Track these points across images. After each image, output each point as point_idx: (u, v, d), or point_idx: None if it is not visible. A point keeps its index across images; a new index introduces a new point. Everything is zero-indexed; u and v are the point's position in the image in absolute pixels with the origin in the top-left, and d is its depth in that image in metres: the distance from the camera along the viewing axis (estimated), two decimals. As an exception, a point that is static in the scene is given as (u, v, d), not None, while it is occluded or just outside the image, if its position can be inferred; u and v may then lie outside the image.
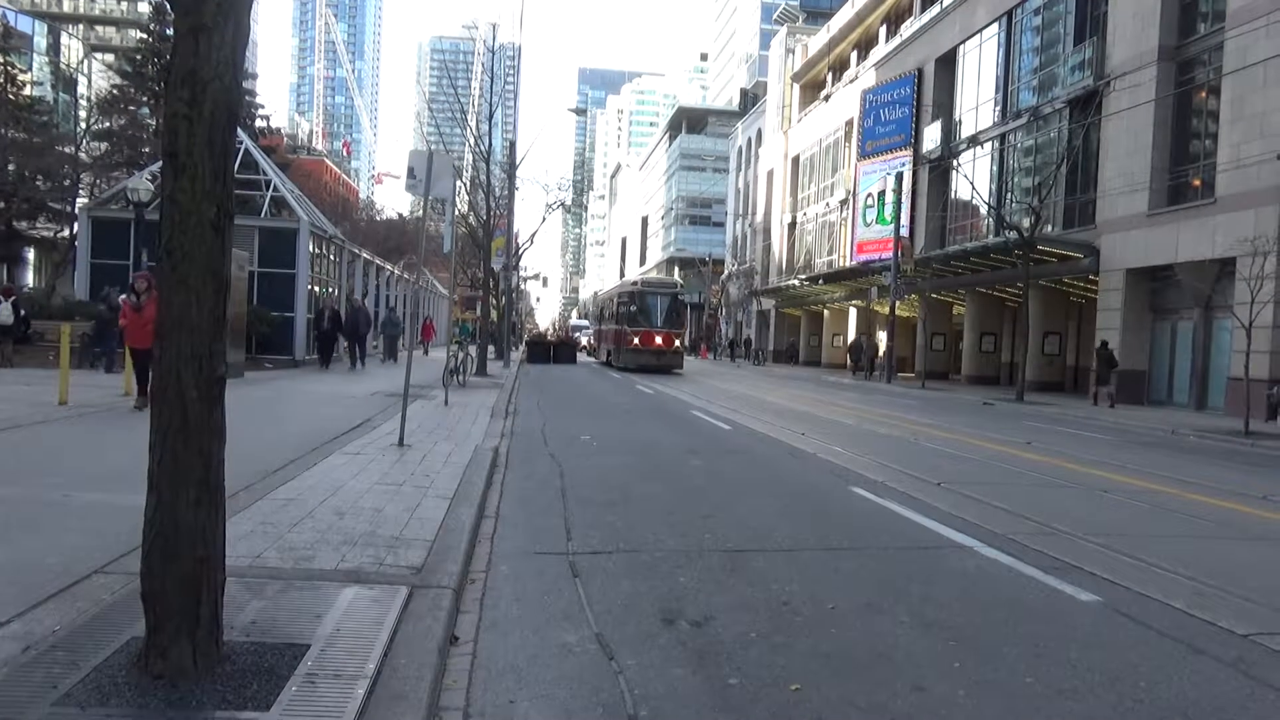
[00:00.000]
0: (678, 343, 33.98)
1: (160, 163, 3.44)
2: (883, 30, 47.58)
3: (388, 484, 7.11)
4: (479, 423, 12.34)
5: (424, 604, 4.13)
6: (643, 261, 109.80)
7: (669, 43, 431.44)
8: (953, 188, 37.20)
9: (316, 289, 25.53)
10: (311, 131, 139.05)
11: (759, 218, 63.56)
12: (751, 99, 74.15)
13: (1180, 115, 25.50)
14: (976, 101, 36.01)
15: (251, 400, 14.01)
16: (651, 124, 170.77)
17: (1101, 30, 27.97)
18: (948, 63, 37.93)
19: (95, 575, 4.28)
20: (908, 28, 42.51)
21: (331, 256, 28.44)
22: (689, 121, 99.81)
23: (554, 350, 40.79)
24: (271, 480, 6.95)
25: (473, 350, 23.93)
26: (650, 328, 33.11)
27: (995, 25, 34.19)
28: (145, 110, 42.95)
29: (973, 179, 33.85)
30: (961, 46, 36.79)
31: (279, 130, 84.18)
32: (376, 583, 4.40)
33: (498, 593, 4.80)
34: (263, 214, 25.53)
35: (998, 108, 34.32)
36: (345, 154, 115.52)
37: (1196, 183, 24.39)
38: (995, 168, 34.64)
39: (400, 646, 3.58)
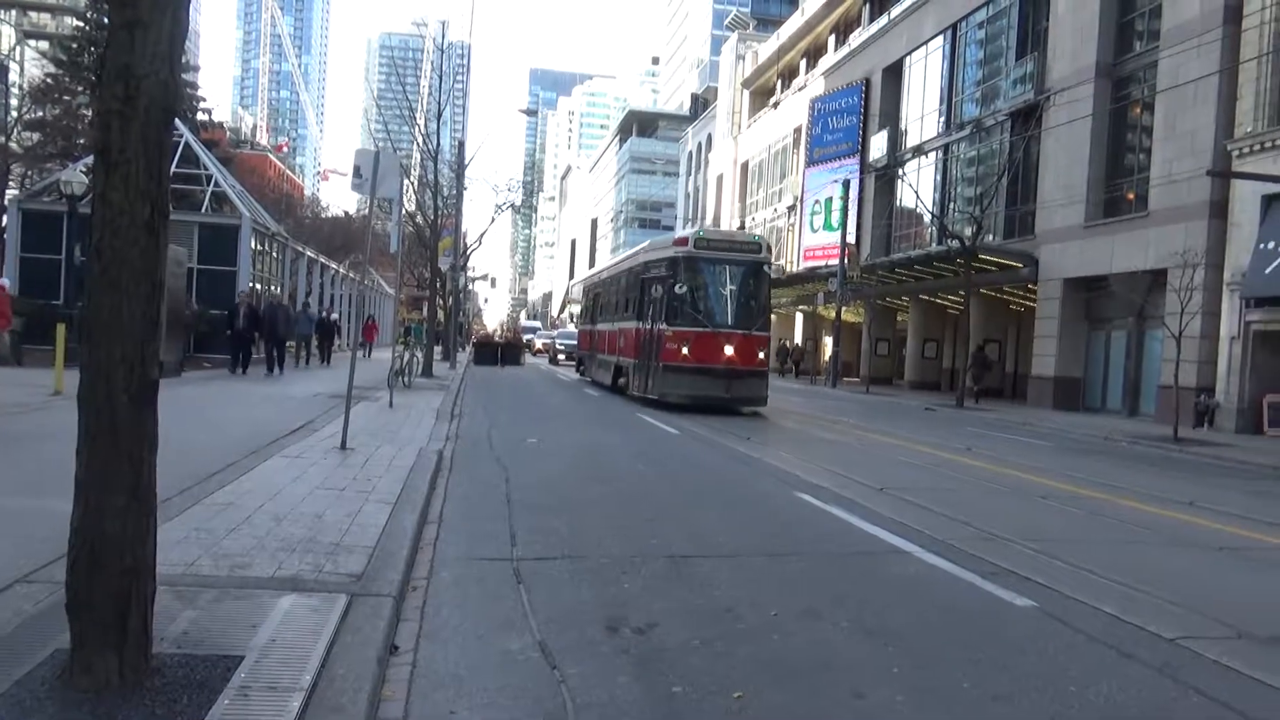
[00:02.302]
0: (761, 354, 18.81)
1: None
2: (831, 39, 48.18)
3: (329, 488, 6.99)
4: (424, 425, 12.21)
5: (364, 612, 4.06)
6: (592, 263, 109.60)
7: (620, 45, 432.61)
8: (898, 196, 37.78)
9: (258, 286, 25.00)
10: (256, 126, 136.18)
11: (709, 222, 63.90)
12: (702, 104, 74.57)
13: (1116, 130, 26.24)
14: (922, 112, 36.63)
15: (188, 401, 13.68)
16: (602, 126, 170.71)
17: (1042, 46, 28.66)
18: (894, 73, 38.54)
19: (18, 584, 4.13)
20: (856, 37, 43.11)
21: (275, 254, 27.91)
22: (640, 124, 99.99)
23: (502, 352, 39.89)
24: (207, 485, 6.78)
25: (419, 351, 23.65)
26: (714, 326, 17.97)
27: (941, 38, 34.84)
28: (81, 100, 41.71)
29: (917, 188, 34.43)
30: (908, 58, 37.41)
31: (221, 124, 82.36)
32: (315, 591, 4.31)
33: (439, 600, 4.74)
34: (203, 209, 24.96)
35: (942, 118, 34.96)
36: (283, 151, 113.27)
37: (1131, 196, 25.11)
38: (939, 177, 35.28)
39: (338, 657, 3.51)
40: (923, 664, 4.12)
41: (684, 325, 18.03)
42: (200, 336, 21.80)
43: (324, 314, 29.21)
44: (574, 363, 38.06)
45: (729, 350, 17.85)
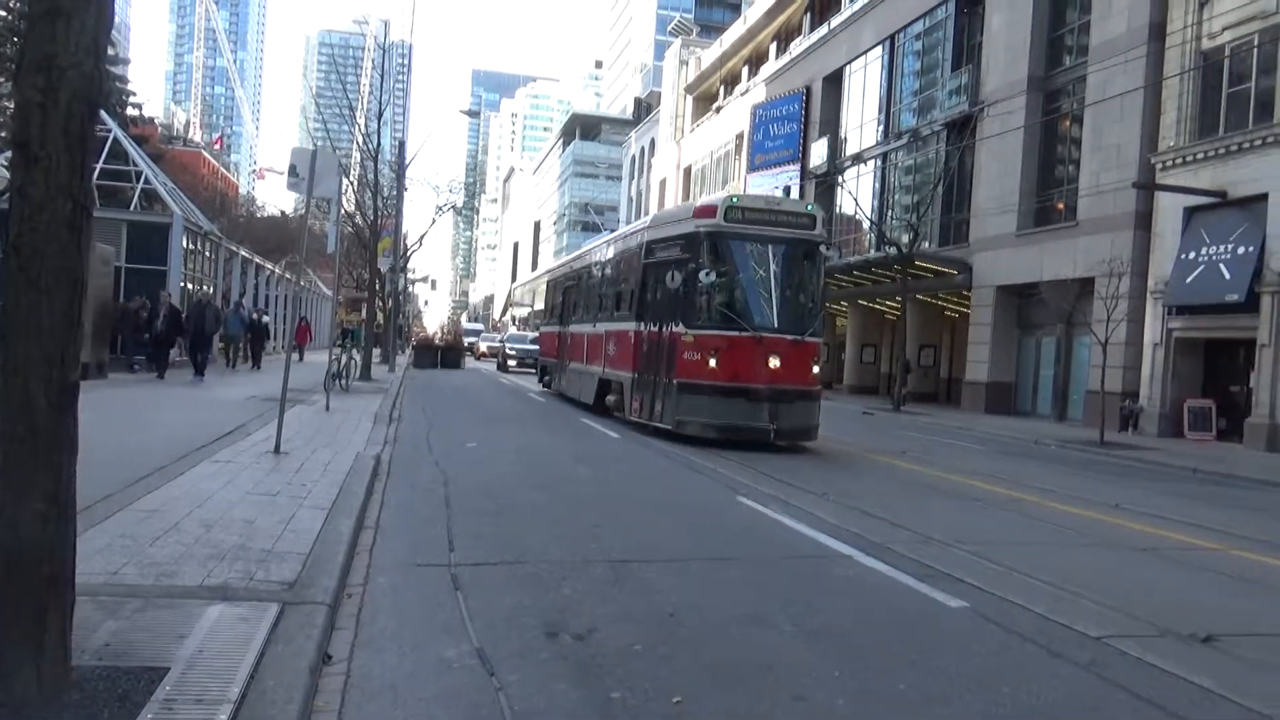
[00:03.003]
0: (815, 369, 14.19)
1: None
2: (773, 47, 48.72)
3: (261, 494, 6.82)
4: (361, 429, 12.00)
5: (296, 621, 3.96)
6: (534, 266, 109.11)
7: (564, 48, 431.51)
8: (838, 203, 38.34)
9: (190, 286, 24.34)
10: (189, 122, 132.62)
11: (651, 226, 63.96)
12: (645, 108, 74.84)
13: (1047, 142, 26.99)
14: (861, 120, 37.23)
15: (115, 403, 13.26)
16: (545, 129, 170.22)
17: (976, 58, 29.36)
18: (834, 82, 39.11)
19: (-72, 595, 3.94)
20: (797, 46, 43.64)
21: (207, 254, 27.20)
22: (583, 128, 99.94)
23: (442, 355, 39.39)
24: (134, 490, 6.56)
25: (356, 354, 23.27)
26: (753, 330, 13.18)
27: (880, 48, 35.45)
28: (3, 91, 40.21)
29: (856, 195, 34.99)
30: (848, 67, 37.99)
31: (153, 119, 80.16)
32: (245, 599, 4.19)
33: (375, 607, 4.65)
34: (132, 207, 24.23)
35: (881, 127, 35.58)
36: (217, 148, 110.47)
37: (1060, 206, 25.85)
38: (878, 185, 35.89)
39: (269, 667, 3.42)
40: (862, 666, 4.17)
41: (710, 327, 13.12)
42: (128, 338, 21.10)
43: (255, 315, 27.60)
44: (530, 370, 35.20)
45: (774, 363, 12.84)
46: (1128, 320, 20.89)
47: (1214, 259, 20.25)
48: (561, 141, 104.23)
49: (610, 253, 18.41)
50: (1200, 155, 20.83)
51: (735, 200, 13.92)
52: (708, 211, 13.68)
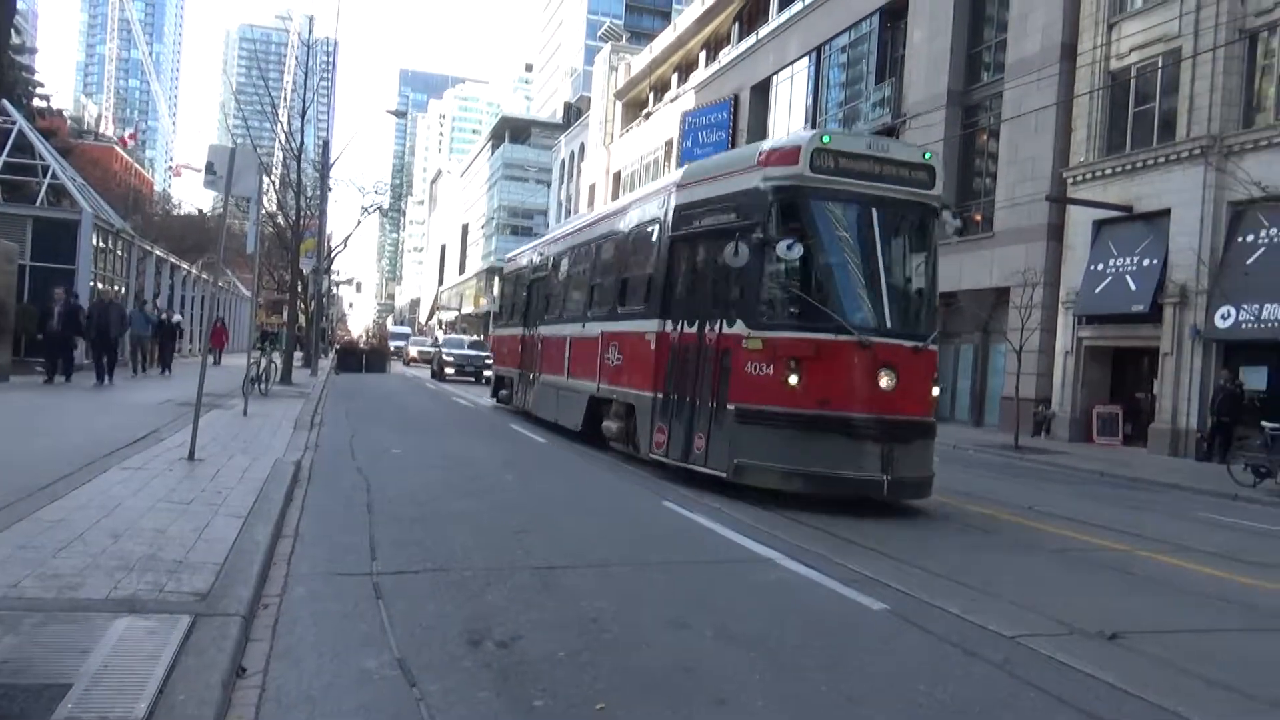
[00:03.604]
0: (934, 390, 9.99)
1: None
2: (703, 55, 49.16)
3: (174, 502, 6.59)
4: (281, 434, 11.70)
5: (208, 633, 3.84)
6: (462, 270, 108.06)
7: (494, 51, 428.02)
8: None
9: (100, 286, 23.43)
10: (101, 116, 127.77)
11: (580, 231, 63.89)
12: (575, 113, 74.72)
13: (965, 155, 27.80)
14: (788, 129, 37.78)
15: (18, 408, 12.69)
16: (474, 131, 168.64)
17: (899, 72, 30.08)
18: (762, 91, 39.63)
19: None
20: (726, 54, 44.12)
21: (119, 252, 26.22)
22: (512, 131, 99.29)
23: (366, 359, 38.67)
24: (37, 499, 6.28)
25: (277, 357, 22.69)
26: (858, 332, 8.94)
27: (806, 59, 36.05)
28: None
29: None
30: (775, 77, 38.55)
31: (62, 112, 77.09)
32: (155, 612, 4.05)
33: (293, 618, 4.53)
34: (38, 202, 23.25)
35: (807, 137, 36.12)
36: (131, 143, 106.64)
37: (978, 218, 26.63)
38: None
39: (179, 682, 3.31)
40: (783, 669, 4.22)
41: (788, 328, 9.22)
42: (33, 339, 20.15)
43: (163, 315, 25.67)
44: (469, 378, 33.03)
45: (887, 381, 8.87)
46: (1041, 329, 21.64)
47: (1121, 270, 21.11)
48: (491, 144, 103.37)
49: (608, 228, 13.78)
50: (1108, 170, 21.71)
51: (828, 140, 9.39)
52: (785, 157, 9.39)
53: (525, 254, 20.07)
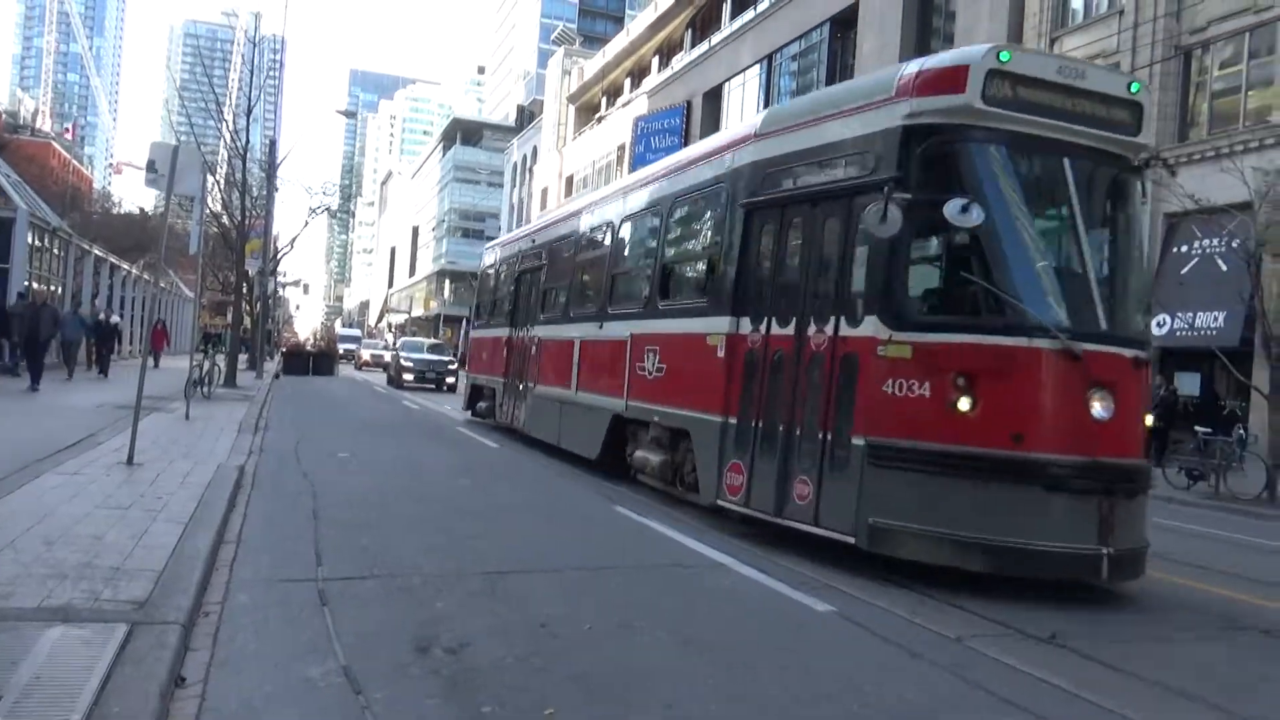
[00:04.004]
0: (1148, 418, 7.36)
1: None
2: (655, 61, 49.35)
3: (111, 508, 6.41)
4: (224, 438, 11.46)
5: (146, 643, 3.73)
6: (412, 273, 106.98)
7: (446, 52, 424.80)
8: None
9: (36, 286, 22.73)
10: (37, 110, 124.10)
11: (532, 235, 63.64)
12: (528, 116, 74.46)
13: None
14: (740, 137, 38.06)
15: (-54, 411, 12.25)
16: (425, 132, 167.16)
17: (849, 79, 30.48)
18: (714, 97, 39.87)
19: None
20: (679, 60, 44.34)
21: (56, 251, 25.52)
22: (464, 133, 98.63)
23: (313, 361, 37.95)
24: (-35, 505, 6.07)
25: (220, 359, 22.22)
26: (1058, 331, 6.10)
27: (758, 67, 36.37)
28: None
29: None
30: (727, 84, 38.81)
31: (-5, 106, 74.74)
32: (90, 621, 3.93)
33: (234, 626, 4.43)
34: (-30, 199, 22.48)
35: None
36: (69, 138, 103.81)
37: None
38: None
39: (114, 693, 3.21)
40: (735, 673, 4.23)
41: (954, 329, 6.56)
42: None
43: (101, 316, 24.64)
44: (429, 385, 30.00)
45: (1101, 407, 6.16)
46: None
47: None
48: (442, 146, 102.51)
49: (636, 204, 10.95)
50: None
51: (1006, 58, 6.51)
52: (943, 81, 6.58)
53: (513, 242, 16.83)
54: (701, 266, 9.25)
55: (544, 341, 13.38)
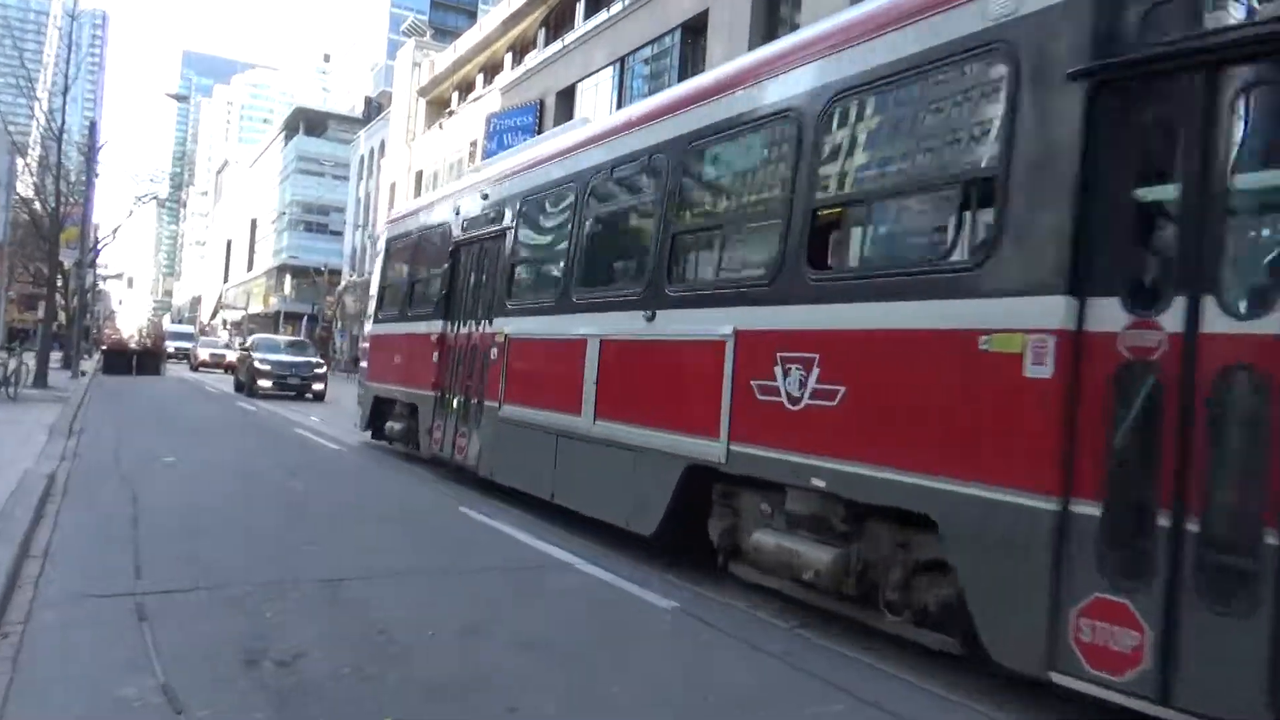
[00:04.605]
0: None
1: None
2: (509, 58, 48.91)
3: (-106, 521, 5.81)
4: (32, 443, 10.58)
5: (-68, 669, 3.41)
6: (250, 267, 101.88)
7: (288, 38, 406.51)
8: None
9: None
10: None
11: (381, 229, 61.93)
12: (376, 107, 72.35)
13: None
14: (593, 137, 38.23)
15: None
16: (265, 120, 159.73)
17: (700, 87, 31.11)
18: (567, 97, 39.88)
19: None
20: (532, 58, 44.10)
21: None
22: (308, 123, 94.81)
23: (138, 360, 35.31)
24: None
25: (29, 358, 20.49)
26: None
27: (611, 68, 36.63)
28: None
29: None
30: (580, 84, 38.90)
31: None
32: None
33: (38, 648, 4.09)
34: None
35: (611, 145, 36.71)
36: None
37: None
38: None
39: (-109, 726, 2.91)
40: (577, 672, 4.25)
41: None
42: None
43: None
44: (288, 393, 24.16)
45: None
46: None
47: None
48: (284, 135, 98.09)
49: (774, 93, 5.97)
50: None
51: None
52: None
53: (442, 204, 12.03)
54: (949, 203, 4.90)
55: (519, 342, 8.96)
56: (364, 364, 14.47)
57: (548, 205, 9.11)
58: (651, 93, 34.00)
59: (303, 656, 4.14)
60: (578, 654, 4.52)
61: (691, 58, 31.99)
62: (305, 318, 70.59)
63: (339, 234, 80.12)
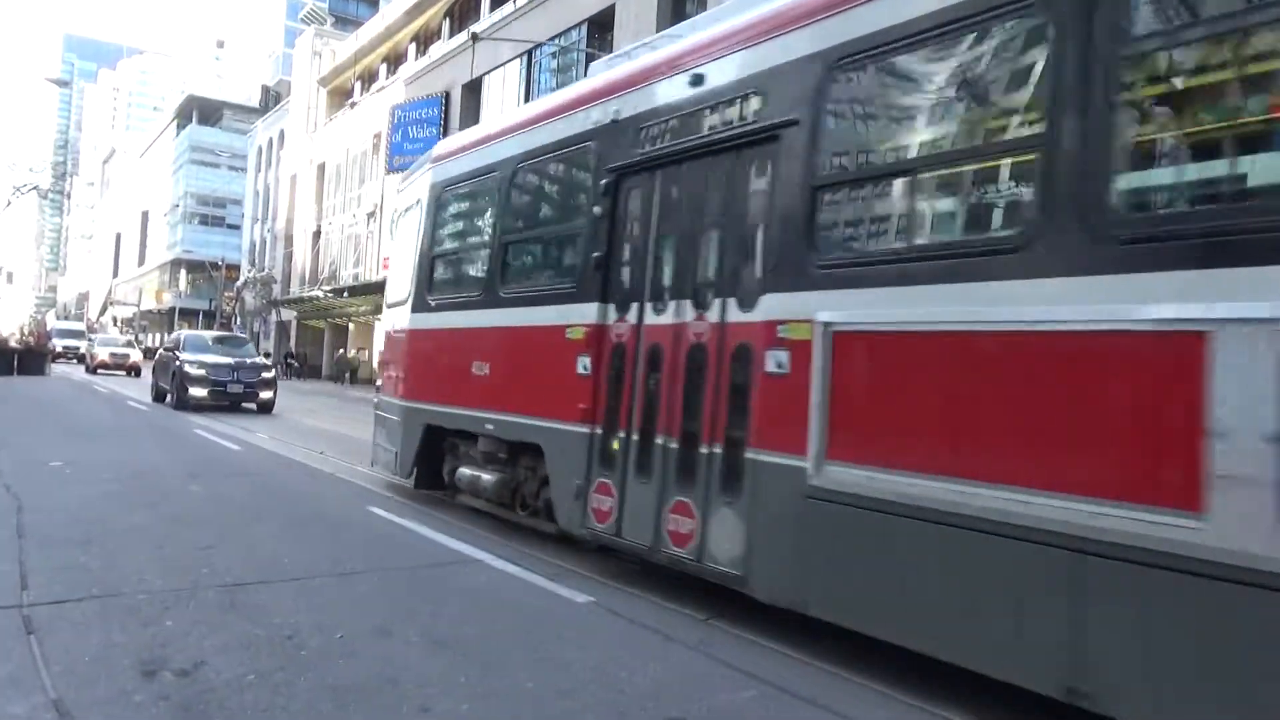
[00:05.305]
0: None
1: None
2: (413, 48, 48.02)
3: None
4: (-97, 450, 9.94)
5: None
6: (142, 262, 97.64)
7: (179, 22, 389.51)
8: (478, 210, 38.50)
9: None
10: None
11: (281, 223, 60.10)
12: (275, 97, 70.16)
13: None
14: (501, 130, 37.82)
15: None
16: (156, 108, 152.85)
17: (609, 81, 31.11)
18: (474, 90, 39.40)
19: None
20: (437, 49, 43.39)
21: None
22: (201, 112, 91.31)
23: (19, 360, 33.40)
24: None
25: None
26: None
27: (518, 62, 36.33)
28: None
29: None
30: (487, 77, 38.48)
31: None
32: None
33: (-85, 666, 3.87)
34: None
35: (519, 139, 36.39)
36: None
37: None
38: (517, 195, 36.63)
39: None
40: (490, 670, 4.22)
41: None
42: None
43: None
44: (223, 405, 19.46)
45: None
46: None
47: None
48: (176, 124, 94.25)
49: None
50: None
51: None
52: None
53: (580, 112, 6.96)
54: None
55: (890, 341, 4.47)
56: (392, 373, 9.73)
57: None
58: (559, 87, 33.92)
59: (204, 665, 4.02)
60: (491, 651, 4.50)
61: (599, 54, 31.96)
62: (202, 314, 68.07)
63: (236, 227, 77.47)
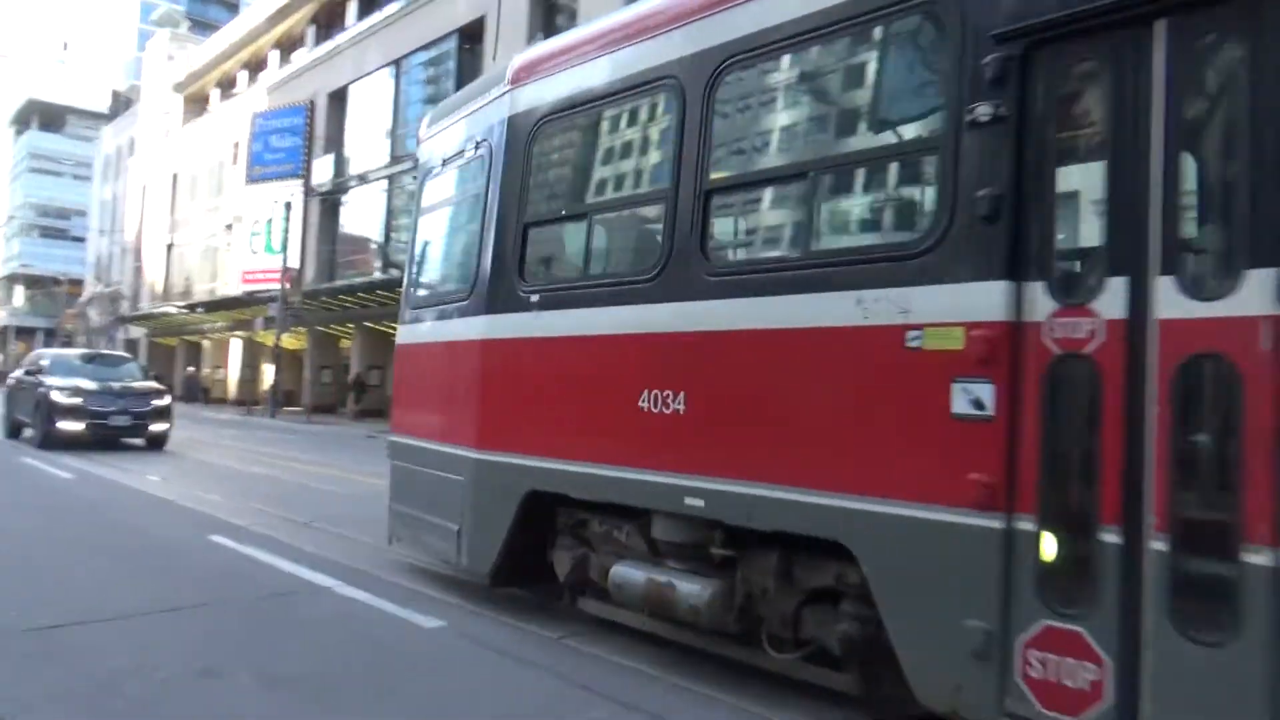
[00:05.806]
0: None
1: None
2: (275, 55, 46.33)
3: None
4: None
5: None
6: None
7: (16, 21, 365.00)
8: (342, 222, 37.52)
9: None
10: None
11: (130, 235, 56.86)
12: (125, 102, 66.42)
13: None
14: (368, 140, 36.90)
15: None
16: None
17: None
18: (340, 99, 38.31)
19: None
20: (301, 57, 42.02)
21: None
22: (43, 116, 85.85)
23: None
24: None
25: None
26: None
27: (387, 70, 35.50)
28: None
29: (363, 216, 34.56)
30: (353, 86, 37.47)
31: None
32: None
33: None
34: None
35: (389, 149, 35.57)
36: None
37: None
38: (386, 206, 35.76)
39: None
40: (328, 707, 4.02)
41: None
42: None
43: None
44: (103, 439, 15.73)
45: None
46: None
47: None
48: (14, 129, 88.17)
49: None
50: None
51: None
52: None
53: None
54: None
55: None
56: (437, 407, 6.65)
57: None
58: (431, 98, 33.36)
59: (15, 719, 3.65)
60: (331, 687, 4.27)
61: (471, 64, 31.56)
62: (42, 333, 63.67)
63: (81, 240, 72.82)
